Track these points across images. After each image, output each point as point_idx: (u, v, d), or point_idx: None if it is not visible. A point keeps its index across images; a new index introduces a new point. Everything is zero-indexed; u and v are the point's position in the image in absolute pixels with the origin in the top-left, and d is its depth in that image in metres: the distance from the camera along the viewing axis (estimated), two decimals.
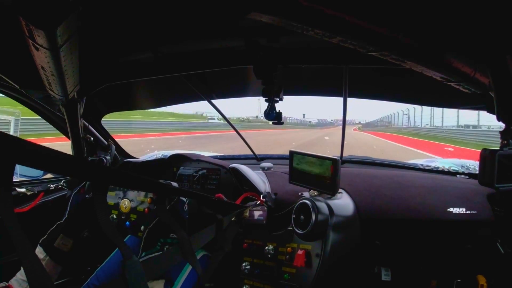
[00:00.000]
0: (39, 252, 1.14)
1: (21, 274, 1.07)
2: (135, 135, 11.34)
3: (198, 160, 1.63)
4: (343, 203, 1.26)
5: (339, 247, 1.14)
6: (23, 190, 1.48)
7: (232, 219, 1.19)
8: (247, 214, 1.27)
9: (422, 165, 1.82)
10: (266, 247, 1.24)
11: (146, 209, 1.21)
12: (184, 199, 1.11)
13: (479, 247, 1.24)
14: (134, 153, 2.08)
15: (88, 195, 1.21)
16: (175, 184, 1.16)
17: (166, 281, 1.10)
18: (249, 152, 2.01)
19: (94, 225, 1.26)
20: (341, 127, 1.80)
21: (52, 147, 0.50)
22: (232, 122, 2.03)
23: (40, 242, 1.15)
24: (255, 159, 2.00)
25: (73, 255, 1.20)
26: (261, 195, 1.36)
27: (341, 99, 1.57)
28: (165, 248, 1.04)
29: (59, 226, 1.18)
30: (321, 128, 36.26)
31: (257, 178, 1.49)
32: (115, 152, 1.85)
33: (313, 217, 1.11)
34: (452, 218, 1.25)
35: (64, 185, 1.63)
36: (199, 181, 1.60)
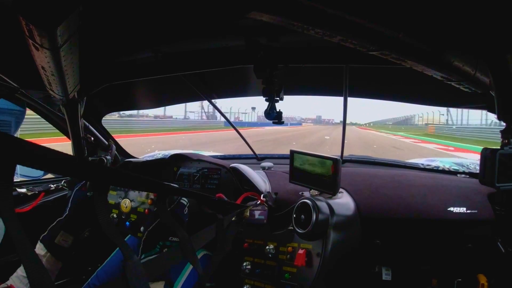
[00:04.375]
0: (40, 248, 1.14)
1: (21, 271, 1.06)
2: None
3: (198, 160, 1.63)
4: (344, 202, 1.26)
5: (340, 246, 1.14)
6: (23, 190, 1.47)
7: (233, 218, 1.19)
8: (248, 213, 1.27)
9: (422, 164, 1.81)
10: (267, 247, 1.24)
11: (146, 210, 1.21)
12: (184, 202, 1.11)
13: (480, 246, 1.24)
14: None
15: (90, 192, 1.21)
16: (175, 185, 1.16)
17: (166, 283, 1.10)
18: (250, 152, 2.01)
19: (95, 224, 1.26)
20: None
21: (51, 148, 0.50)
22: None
23: (40, 238, 1.15)
24: (256, 159, 2.00)
25: (74, 254, 1.20)
26: (262, 195, 1.36)
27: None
28: (164, 251, 1.04)
29: (59, 222, 1.17)
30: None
31: (258, 177, 1.49)
32: (116, 152, 1.85)
33: (314, 217, 1.11)
34: (453, 218, 1.25)
35: (65, 185, 1.63)
36: (199, 181, 1.60)
